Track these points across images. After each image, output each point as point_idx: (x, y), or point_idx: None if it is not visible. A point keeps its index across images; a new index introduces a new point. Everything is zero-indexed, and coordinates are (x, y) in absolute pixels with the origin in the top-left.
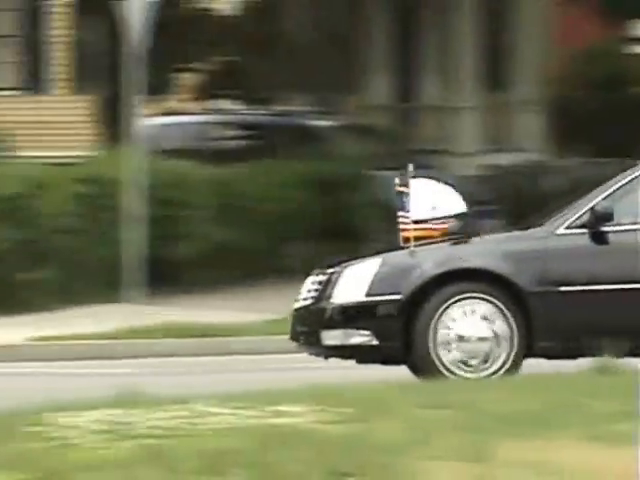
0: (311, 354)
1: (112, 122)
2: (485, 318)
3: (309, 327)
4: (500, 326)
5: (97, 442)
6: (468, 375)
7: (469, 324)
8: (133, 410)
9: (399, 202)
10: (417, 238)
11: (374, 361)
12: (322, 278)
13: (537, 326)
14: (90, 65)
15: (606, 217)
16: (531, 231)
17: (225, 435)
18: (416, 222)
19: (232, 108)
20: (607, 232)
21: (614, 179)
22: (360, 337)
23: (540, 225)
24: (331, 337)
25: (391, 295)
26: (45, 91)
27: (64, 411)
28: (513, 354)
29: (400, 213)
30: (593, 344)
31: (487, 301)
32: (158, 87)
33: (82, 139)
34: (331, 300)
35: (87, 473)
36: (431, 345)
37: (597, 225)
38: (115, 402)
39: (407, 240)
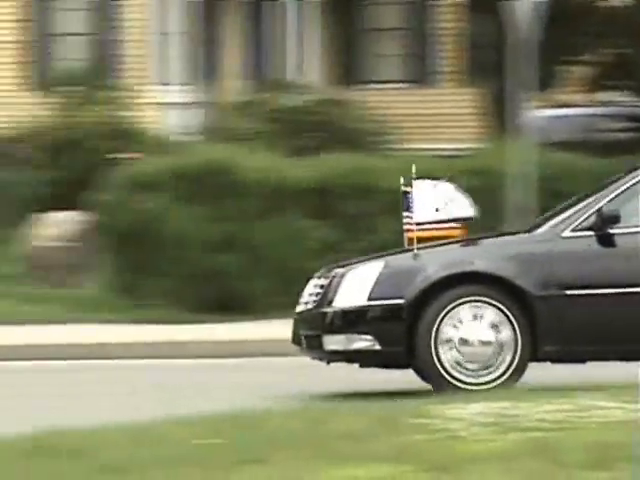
0: (313, 358)
1: (499, 115)
2: (489, 322)
3: (311, 331)
4: (504, 330)
5: (483, 434)
6: (471, 379)
7: (473, 328)
8: (520, 403)
9: (404, 203)
10: (421, 240)
11: (377, 365)
12: (324, 281)
13: (542, 330)
14: (479, 58)
15: (613, 219)
16: (536, 233)
17: (611, 429)
18: (419, 224)
19: (621, 100)
20: (614, 235)
21: (621, 181)
22: (362, 342)
23: (546, 227)
24: (333, 342)
25: (394, 299)
26: (432, 84)
27: (449, 403)
28: (517, 358)
29: (405, 214)
30: (599, 348)
31: (491, 305)
32: (546, 79)
33: (469, 132)
34: (333, 304)
35: (473, 465)
36: (434, 349)
37: (604, 228)
38: (502, 395)
39: (411, 241)
